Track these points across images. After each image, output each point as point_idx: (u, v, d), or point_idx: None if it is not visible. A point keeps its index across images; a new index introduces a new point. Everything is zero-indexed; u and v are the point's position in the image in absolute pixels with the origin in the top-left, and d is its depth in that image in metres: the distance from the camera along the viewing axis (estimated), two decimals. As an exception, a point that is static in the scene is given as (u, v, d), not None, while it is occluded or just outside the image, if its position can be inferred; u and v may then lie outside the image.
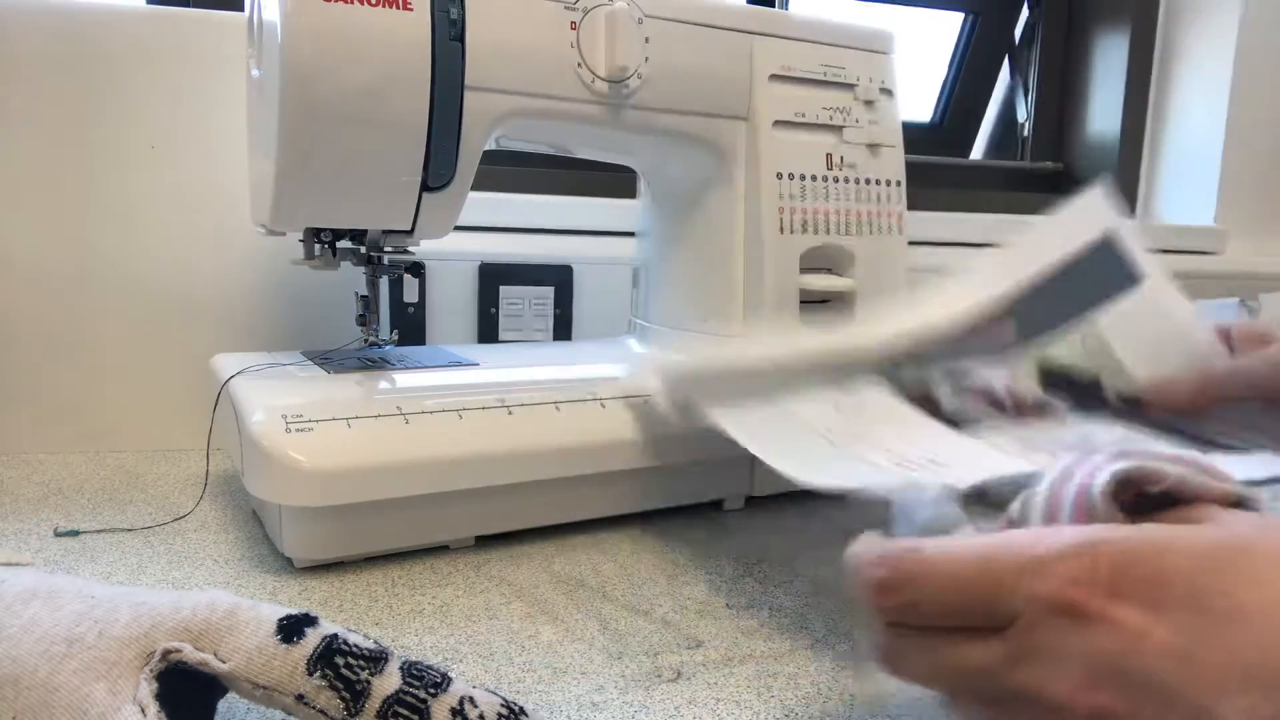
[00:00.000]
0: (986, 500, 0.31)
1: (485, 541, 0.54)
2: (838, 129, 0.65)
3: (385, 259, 0.59)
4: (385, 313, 0.78)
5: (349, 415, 0.50)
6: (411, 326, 0.81)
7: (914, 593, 0.25)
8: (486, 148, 0.56)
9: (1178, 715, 0.21)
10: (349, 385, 0.55)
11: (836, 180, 0.64)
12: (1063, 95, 1.29)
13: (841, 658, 0.42)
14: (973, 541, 0.25)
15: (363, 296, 0.61)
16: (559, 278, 0.85)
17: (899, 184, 0.67)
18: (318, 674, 0.28)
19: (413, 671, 0.29)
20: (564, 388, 0.57)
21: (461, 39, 0.52)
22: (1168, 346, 0.39)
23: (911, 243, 0.68)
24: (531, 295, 0.84)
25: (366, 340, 0.62)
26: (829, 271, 0.66)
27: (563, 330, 0.85)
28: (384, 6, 0.49)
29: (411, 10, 0.50)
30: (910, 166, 0.68)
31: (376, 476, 0.49)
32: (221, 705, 0.32)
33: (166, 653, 0.29)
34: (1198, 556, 0.22)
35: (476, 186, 0.57)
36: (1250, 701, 0.20)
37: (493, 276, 0.82)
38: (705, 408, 0.49)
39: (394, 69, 0.50)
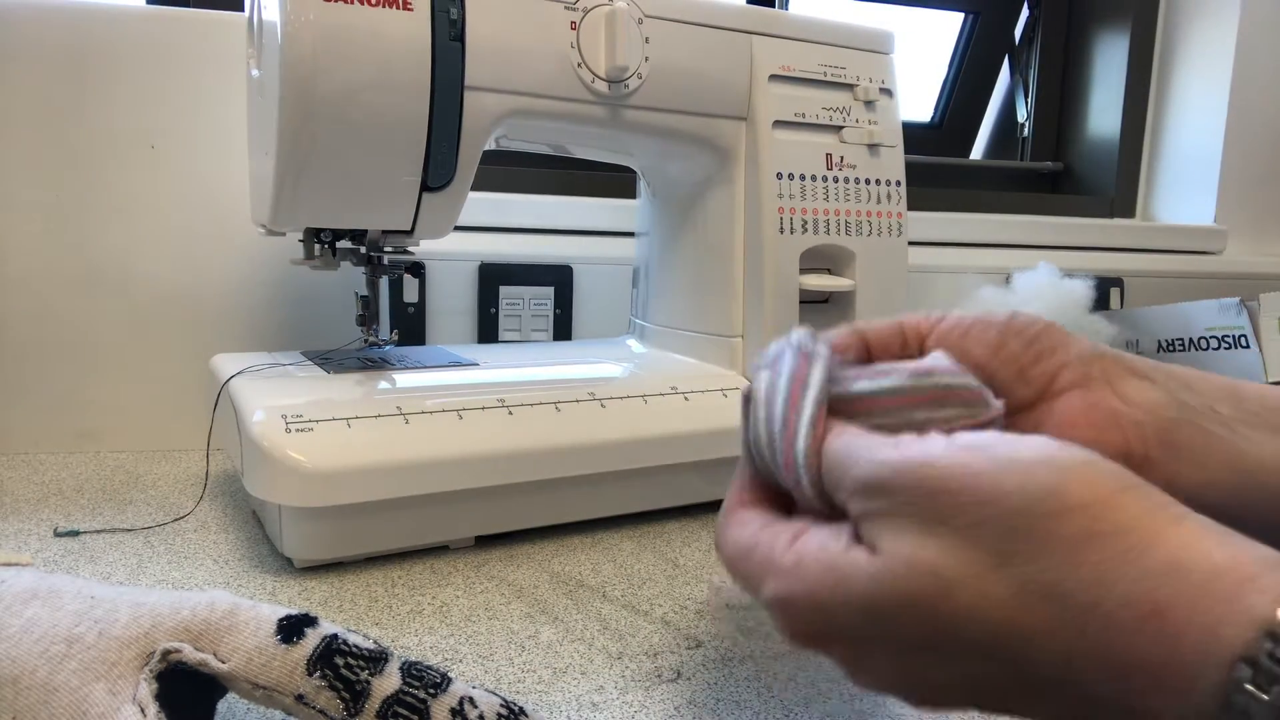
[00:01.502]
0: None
1: (485, 541, 0.54)
2: (838, 129, 0.65)
3: (385, 259, 0.59)
4: (385, 313, 0.78)
5: (349, 415, 0.50)
6: (411, 326, 0.81)
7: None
8: (486, 148, 0.56)
9: (918, 673, 0.24)
10: (349, 385, 0.55)
11: (836, 180, 0.64)
12: (1063, 95, 1.29)
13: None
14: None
15: (363, 296, 0.61)
16: (559, 278, 0.85)
17: (899, 184, 0.67)
18: (317, 674, 0.28)
19: (413, 671, 0.29)
20: (564, 388, 0.57)
21: (461, 39, 0.52)
22: None
23: (911, 243, 0.68)
24: (531, 295, 0.84)
25: (366, 340, 0.62)
26: (829, 271, 0.66)
27: (563, 330, 0.85)
28: (384, 6, 0.49)
29: (411, 10, 0.50)
30: (910, 166, 0.68)
31: (376, 476, 0.49)
32: (221, 705, 0.32)
33: (166, 653, 0.29)
34: (884, 606, 0.23)
35: (476, 186, 0.57)
36: (956, 667, 0.23)
37: (493, 276, 0.82)
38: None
39: (394, 69, 0.50)
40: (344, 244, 0.58)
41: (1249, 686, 0.19)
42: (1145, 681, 0.20)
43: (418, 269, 0.81)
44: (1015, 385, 0.30)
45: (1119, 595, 0.21)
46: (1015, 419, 0.29)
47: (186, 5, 0.82)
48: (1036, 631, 0.21)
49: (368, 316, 0.61)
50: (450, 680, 0.30)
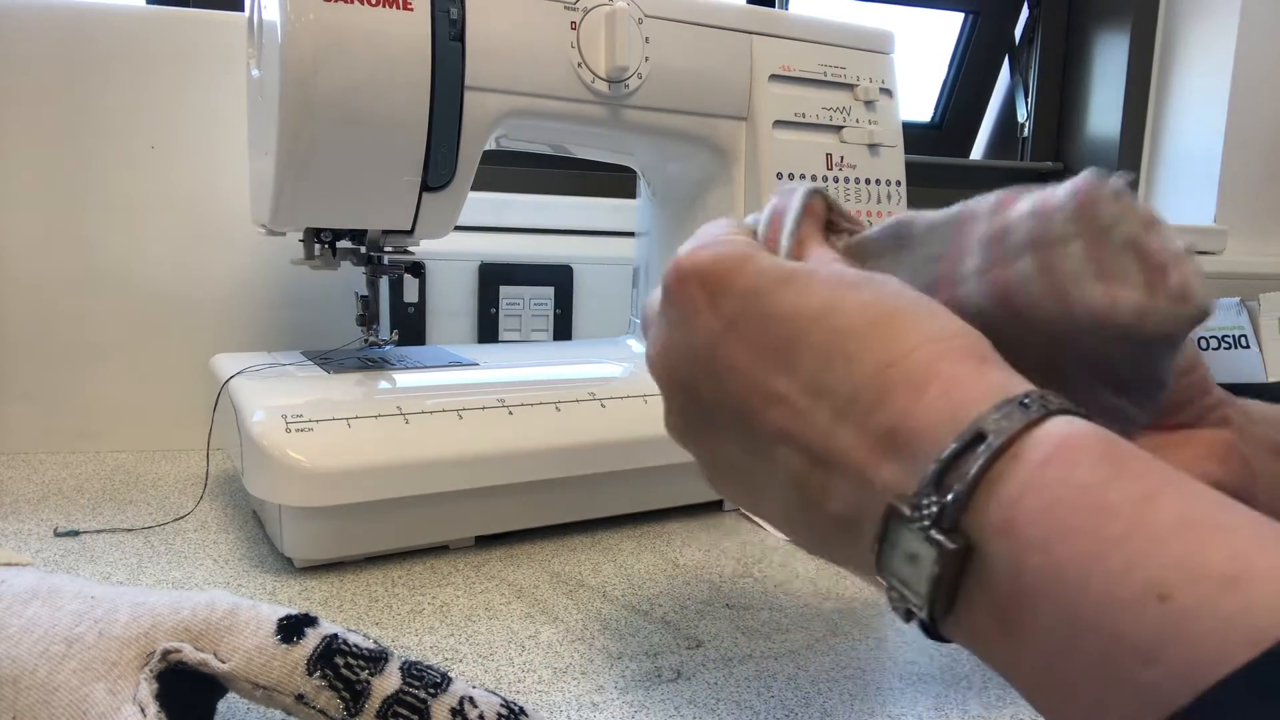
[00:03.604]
0: None
1: (485, 541, 0.54)
2: (838, 129, 0.65)
3: (385, 259, 0.59)
4: (385, 313, 0.78)
5: (349, 415, 0.50)
6: (411, 326, 0.81)
7: None
8: (486, 148, 0.56)
9: (706, 378, 0.28)
10: (349, 385, 0.55)
11: (836, 180, 0.64)
12: (1063, 95, 1.29)
13: (841, 657, 0.42)
14: None
15: (363, 296, 0.61)
16: (559, 278, 0.85)
17: (899, 184, 0.67)
18: (318, 674, 0.28)
19: (413, 671, 0.29)
20: (564, 388, 0.57)
21: (461, 39, 0.52)
22: None
23: (911, 243, 0.68)
24: (531, 295, 0.84)
25: (366, 340, 0.62)
26: (829, 271, 0.66)
27: (563, 330, 0.85)
28: (384, 6, 0.49)
29: (411, 10, 0.50)
30: (910, 166, 0.68)
31: (376, 476, 0.49)
32: (221, 705, 0.32)
33: (166, 653, 0.29)
34: (767, 270, 0.28)
35: (476, 186, 0.57)
36: (752, 372, 0.27)
37: (493, 276, 0.82)
38: None
39: (394, 69, 0.50)
40: (344, 244, 0.58)
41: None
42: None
43: (418, 269, 0.81)
44: (1180, 407, 0.33)
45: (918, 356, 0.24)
46: (1164, 435, 0.33)
47: (186, 5, 0.82)
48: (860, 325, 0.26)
49: (368, 316, 0.61)
50: (450, 680, 0.30)
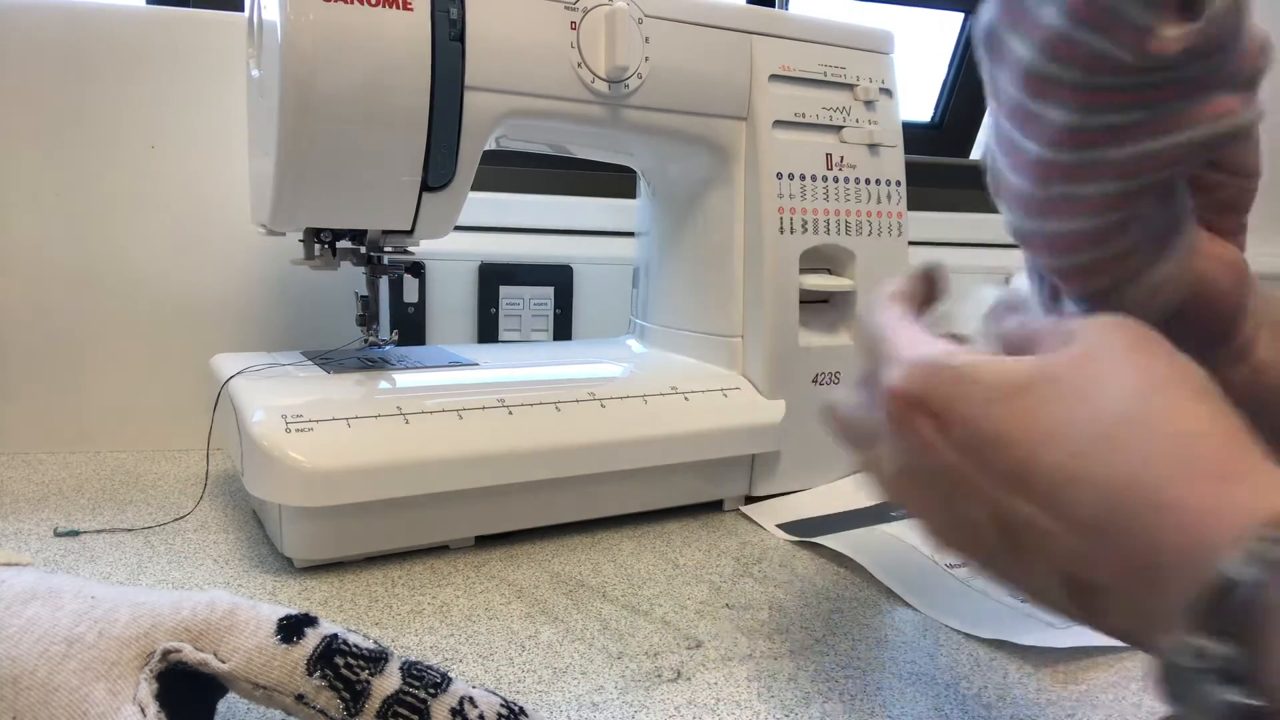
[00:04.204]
0: None
1: (485, 541, 0.54)
2: (838, 129, 0.65)
3: (385, 259, 0.59)
4: (385, 313, 0.78)
5: (349, 415, 0.50)
6: (411, 326, 0.81)
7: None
8: (486, 148, 0.56)
9: (952, 503, 0.28)
10: (349, 385, 0.55)
11: (836, 180, 0.64)
12: (1063, 95, 1.28)
13: (841, 657, 0.42)
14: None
15: (363, 296, 0.61)
16: (559, 278, 0.85)
17: (899, 184, 0.67)
18: (318, 674, 0.28)
19: (413, 671, 0.29)
20: (564, 388, 0.57)
21: (461, 39, 0.52)
22: None
23: (911, 243, 0.68)
24: (531, 295, 0.84)
25: (366, 340, 0.62)
26: (829, 271, 0.66)
27: (563, 330, 0.85)
28: (384, 6, 0.49)
29: (411, 10, 0.50)
30: (910, 166, 0.68)
31: (376, 476, 0.49)
32: (221, 705, 0.32)
33: (166, 653, 0.29)
34: (989, 389, 0.27)
35: (476, 186, 0.57)
36: (993, 497, 0.27)
37: (493, 276, 0.82)
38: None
39: (394, 69, 0.50)
40: (344, 244, 0.58)
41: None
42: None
43: (418, 269, 0.81)
44: (1235, 209, 0.35)
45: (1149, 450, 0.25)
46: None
47: (186, 5, 0.82)
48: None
49: (368, 316, 0.61)
50: (450, 680, 0.30)
